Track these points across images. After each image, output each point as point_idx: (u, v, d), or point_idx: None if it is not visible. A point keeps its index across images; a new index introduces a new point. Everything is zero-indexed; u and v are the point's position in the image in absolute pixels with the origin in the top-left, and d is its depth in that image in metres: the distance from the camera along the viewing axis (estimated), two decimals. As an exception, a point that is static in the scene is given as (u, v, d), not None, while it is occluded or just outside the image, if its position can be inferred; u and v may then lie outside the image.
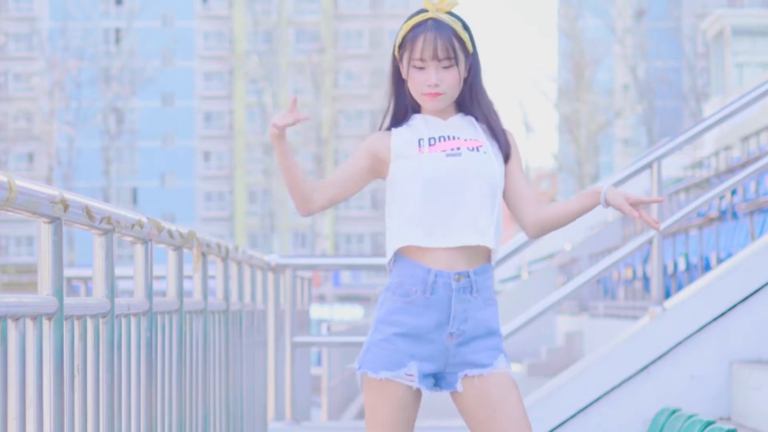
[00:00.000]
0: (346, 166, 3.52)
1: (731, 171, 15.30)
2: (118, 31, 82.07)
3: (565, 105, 69.68)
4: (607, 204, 3.52)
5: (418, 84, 3.49)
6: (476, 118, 3.55)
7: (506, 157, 3.54)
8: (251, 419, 6.13)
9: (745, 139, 18.54)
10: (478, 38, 3.63)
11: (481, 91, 3.57)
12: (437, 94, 3.49)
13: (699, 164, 23.44)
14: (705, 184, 16.87)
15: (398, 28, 3.57)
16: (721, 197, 13.48)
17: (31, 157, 74.07)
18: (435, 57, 3.47)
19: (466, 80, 3.55)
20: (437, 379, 3.57)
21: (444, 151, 3.47)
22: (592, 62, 71.24)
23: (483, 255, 3.42)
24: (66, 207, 3.02)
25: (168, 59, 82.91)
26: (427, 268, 3.41)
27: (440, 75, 3.49)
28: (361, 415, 15.45)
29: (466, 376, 3.53)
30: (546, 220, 3.58)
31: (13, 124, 76.03)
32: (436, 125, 3.52)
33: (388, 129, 3.58)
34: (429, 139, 3.49)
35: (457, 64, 3.50)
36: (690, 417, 5.25)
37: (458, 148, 3.49)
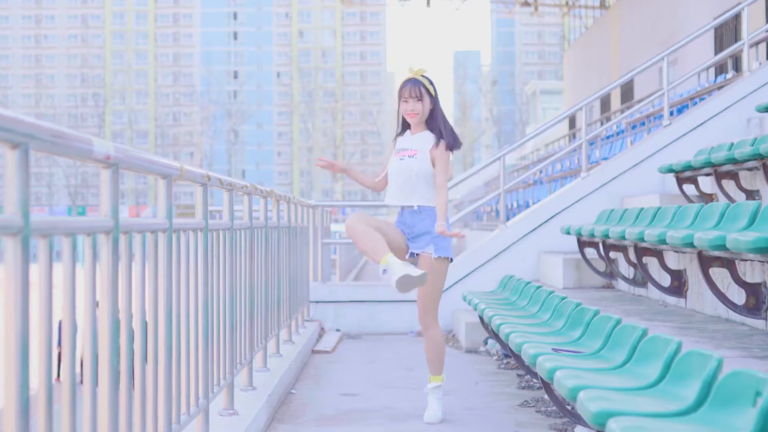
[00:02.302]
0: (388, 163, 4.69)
1: (540, 161, 19.71)
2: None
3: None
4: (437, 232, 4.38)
5: (403, 110, 4.58)
6: (434, 132, 4.53)
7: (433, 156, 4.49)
8: (303, 280, 7.54)
9: (546, 145, 24.44)
10: (437, 89, 4.65)
11: (438, 117, 4.56)
12: (414, 115, 4.55)
13: (524, 157, 29.88)
14: (527, 167, 21.41)
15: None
16: (535, 174, 16.27)
17: (192, 155, 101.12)
18: (411, 96, 4.51)
19: (432, 110, 4.56)
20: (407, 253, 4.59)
21: (399, 157, 4.58)
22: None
23: (414, 203, 4.54)
24: (209, 178, 3.55)
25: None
26: (401, 206, 4.61)
27: (415, 105, 4.53)
28: (356, 278, 17.22)
29: (417, 254, 4.55)
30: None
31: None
32: (406, 141, 4.59)
33: (398, 136, 4.66)
34: (399, 150, 4.59)
35: (422, 100, 4.50)
36: (519, 279, 6.44)
37: (403, 156, 4.55)
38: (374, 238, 4.23)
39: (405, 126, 4.62)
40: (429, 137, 4.52)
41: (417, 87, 4.46)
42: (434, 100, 4.54)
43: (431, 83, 4.52)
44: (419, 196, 4.48)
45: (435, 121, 4.54)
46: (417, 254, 4.50)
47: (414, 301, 7.41)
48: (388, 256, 4.19)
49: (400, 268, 4.10)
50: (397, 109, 4.60)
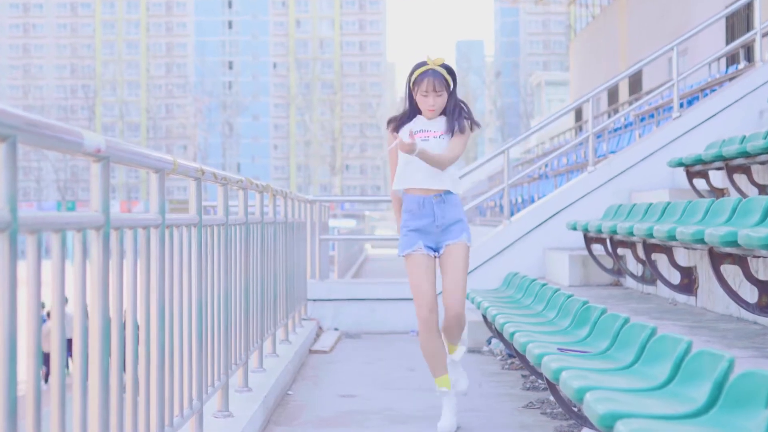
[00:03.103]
0: (392, 153, 4.48)
1: (545, 155, 19.61)
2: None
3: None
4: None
5: (423, 105, 4.42)
6: (449, 117, 4.41)
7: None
8: (300, 278, 7.63)
9: (552, 138, 24.38)
10: (457, 77, 4.49)
11: (454, 104, 4.43)
12: (433, 110, 4.42)
13: (528, 151, 29.89)
14: (531, 161, 21.37)
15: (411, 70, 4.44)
16: (540, 168, 16.27)
17: (185, 148, 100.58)
18: (433, 90, 4.37)
19: (447, 101, 4.42)
20: (434, 250, 4.42)
21: (421, 137, 4.40)
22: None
23: (442, 188, 4.41)
24: (203, 172, 3.60)
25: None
26: (419, 196, 4.40)
27: (435, 100, 4.39)
28: (355, 275, 17.24)
29: (447, 244, 4.39)
30: None
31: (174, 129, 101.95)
32: (423, 123, 4.46)
33: (401, 125, 4.43)
34: (416, 131, 4.41)
35: (442, 95, 4.38)
36: (524, 276, 6.43)
37: (428, 136, 4.40)
38: (434, 359, 4.40)
39: (411, 115, 4.47)
40: (443, 121, 4.41)
41: (439, 80, 4.33)
42: (453, 92, 4.42)
43: (450, 73, 4.38)
44: (449, 179, 4.37)
45: (450, 109, 4.40)
46: (447, 245, 4.39)
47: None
48: (444, 379, 4.43)
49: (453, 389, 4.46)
50: (406, 98, 4.45)
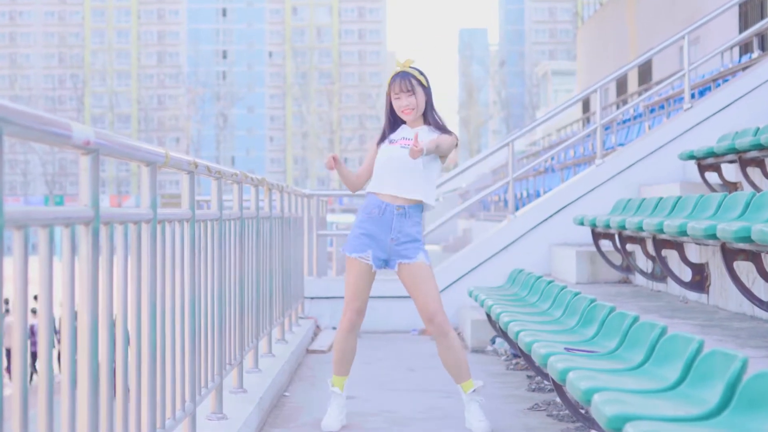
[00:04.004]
0: (368, 159, 4.64)
1: (551, 147, 19.49)
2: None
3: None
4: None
5: (398, 106, 4.54)
6: (432, 126, 4.54)
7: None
8: (297, 275, 7.69)
9: (558, 130, 24.36)
10: (429, 79, 4.58)
11: (431, 109, 4.58)
12: (410, 111, 4.52)
13: (534, 143, 29.88)
14: (537, 154, 21.28)
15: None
16: (546, 161, 16.19)
17: (178, 140, 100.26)
18: (402, 90, 4.50)
19: (427, 103, 4.54)
20: (385, 263, 4.51)
21: (401, 144, 4.52)
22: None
23: (414, 198, 4.47)
24: (196, 166, 3.61)
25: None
26: (382, 201, 4.47)
27: (408, 100, 4.51)
28: None
29: (400, 263, 4.48)
30: None
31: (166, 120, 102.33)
32: (407, 131, 4.56)
33: (386, 135, 4.59)
34: (398, 139, 4.54)
35: (415, 93, 4.49)
36: (529, 273, 6.53)
37: (407, 144, 4.48)
38: (344, 357, 4.56)
39: (394, 125, 4.58)
40: (432, 129, 4.51)
41: (407, 80, 4.45)
42: (428, 91, 4.54)
43: (422, 74, 4.49)
44: (422, 191, 4.44)
45: (434, 118, 4.52)
46: (400, 264, 4.43)
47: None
48: (343, 380, 4.61)
49: (334, 412, 4.57)
50: (386, 108, 4.56)
